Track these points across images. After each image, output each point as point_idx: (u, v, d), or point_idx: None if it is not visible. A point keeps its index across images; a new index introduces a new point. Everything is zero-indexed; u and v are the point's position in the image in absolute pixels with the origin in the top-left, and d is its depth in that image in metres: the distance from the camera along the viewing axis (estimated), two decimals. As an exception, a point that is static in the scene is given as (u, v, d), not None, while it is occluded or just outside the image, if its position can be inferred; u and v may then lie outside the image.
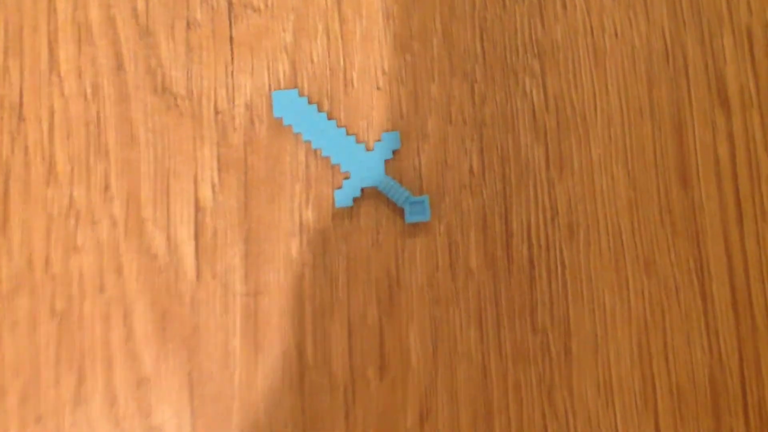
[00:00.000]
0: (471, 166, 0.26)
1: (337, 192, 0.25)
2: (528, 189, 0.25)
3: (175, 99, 0.26)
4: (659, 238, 0.25)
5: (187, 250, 0.25)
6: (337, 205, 0.25)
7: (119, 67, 0.26)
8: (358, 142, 0.26)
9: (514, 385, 0.25)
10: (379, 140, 0.26)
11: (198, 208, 0.25)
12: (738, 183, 0.25)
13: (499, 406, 0.25)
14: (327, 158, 0.26)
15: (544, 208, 0.25)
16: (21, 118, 0.26)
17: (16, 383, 0.24)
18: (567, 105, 0.26)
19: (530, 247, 0.25)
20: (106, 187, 0.26)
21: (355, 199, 0.25)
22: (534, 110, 0.26)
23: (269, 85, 0.26)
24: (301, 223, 0.25)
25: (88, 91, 0.26)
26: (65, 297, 0.25)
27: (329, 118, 0.26)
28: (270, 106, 0.26)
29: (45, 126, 0.26)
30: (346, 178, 0.25)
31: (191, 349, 0.25)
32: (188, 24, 0.27)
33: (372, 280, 0.25)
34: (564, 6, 0.26)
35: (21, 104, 0.26)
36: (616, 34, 0.26)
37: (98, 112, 0.26)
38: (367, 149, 0.25)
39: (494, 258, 0.25)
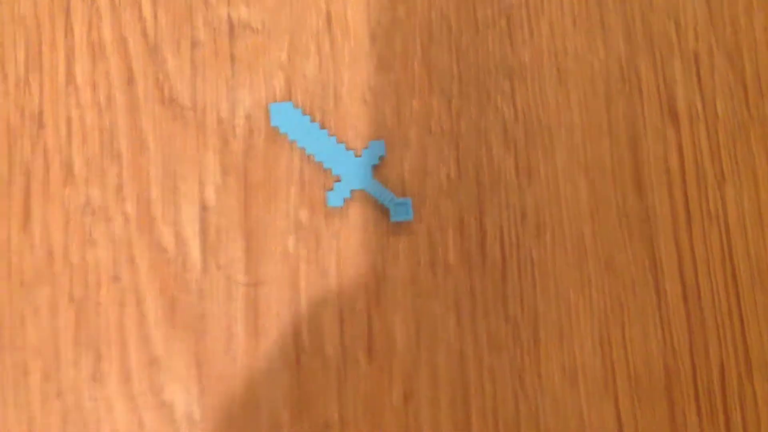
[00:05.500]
0: (449, 173, 0.35)
1: (328, 193, 0.34)
2: (500, 193, 0.35)
3: (181, 110, 0.35)
4: (617, 239, 0.35)
5: (194, 244, 0.34)
6: (329, 204, 0.34)
7: (130, 80, 0.36)
8: (347, 149, 0.35)
9: (489, 369, 0.34)
10: (366, 147, 0.35)
11: (203, 207, 0.35)
12: (687, 190, 0.35)
13: (475, 388, 0.34)
14: (319, 163, 0.35)
15: (515, 210, 0.35)
16: (41, 125, 0.35)
17: (38, 362, 0.33)
18: (534, 119, 0.35)
19: (502, 245, 0.35)
20: (119, 188, 0.35)
21: (345, 200, 0.34)
22: (505, 124, 0.35)
23: (266, 98, 0.36)
24: (296, 222, 0.35)
25: (102, 101, 0.35)
26: (83, 285, 0.34)
27: (321, 128, 0.35)
28: (267, 117, 0.35)
29: (63, 133, 0.35)
30: (337, 181, 0.35)
31: (198, 333, 0.34)
32: (193, 43, 0.36)
33: (361, 273, 0.34)
34: (531, 32, 0.36)
35: (41, 113, 0.35)
36: (577, 57, 0.36)
37: (111, 121, 0.35)
38: (356, 155, 0.35)
39: (470, 255, 0.35)
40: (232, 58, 0.35)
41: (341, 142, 0.34)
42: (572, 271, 0.34)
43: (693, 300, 0.33)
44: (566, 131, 0.34)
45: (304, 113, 0.34)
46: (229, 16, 0.35)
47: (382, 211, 0.34)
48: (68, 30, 0.35)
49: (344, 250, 0.34)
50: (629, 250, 0.34)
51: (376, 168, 0.34)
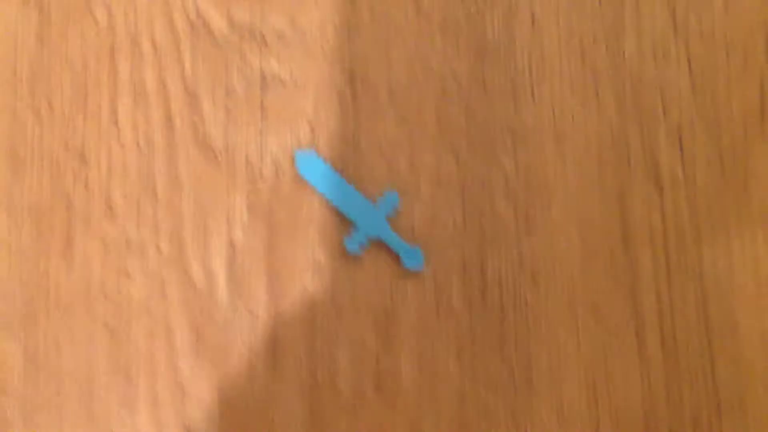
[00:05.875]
0: (455, 222, 0.39)
1: (346, 239, 0.39)
2: (500, 243, 0.39)
3: (214, 153, 0.39)
4: (605, 289, 0.39)
5: (220, 279, 0.38)
6: (347, 250, 0.38)
7: (168, 122, 0.40)
8: (364, 197, 0.39)
9: (485, 407, 0.38)
10: (382, 197, 0.39)
11: (230, 244, 0.39)
12: (668, 247, 0.40)
13: (473, 425, 0.38)
14: (338, 209, 0.39)
15: (513, 259, 0.39)
16: (83, 160, 0.39)
17: (72, 387, 0.37)
18: (533, 176, 0.40)
19: (501, 291, 0.39)
20: (154, 224, 0.39)
21: (360, 246, 0.39)
22: (507, 178, 0.40)
23: (292, 145, 0.40)
24: (315, 262, 0.39)
25: (141, 141, 0.39)
26: (116, 315, 0.38)
27: (341, 176, 0.39)
28: (293, 163, 0.39)
29: (104, 168, 0.39)
30: (354, 227, 0.39)
31: (221, 363, 0.38)
32: (227, 90, 0.40)
33: (372, 313, 0.39)
34: (533, 96, 0.40)
35: (83, 148, 0.39)
36: (574, 122, 0.40)
37: (149, 160, 0.39)
38: (372, 204, 0.39)
39: (472, 300, 0.39)
40: (263, 107, 0.39)
41: (359, 191, 0.38)
42: (563, 316, 0.38)
43: (670, 347, 0.38)
44: (562, 188, 0.39)
45: (326, 161, 0.38)
46: (261, 69, 0.39)
47: (394, 257, 0.38)
48: (112, 71, 0.39)
49: (358, 291, 0.38)
50: (615, 299, 0.38)
51: (389, 216, 0.38)
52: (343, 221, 0.37)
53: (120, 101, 0.38)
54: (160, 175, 0.37)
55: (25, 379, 0.35)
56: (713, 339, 0.37)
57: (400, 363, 0.36)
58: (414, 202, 0.38)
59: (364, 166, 0.38)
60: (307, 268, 0.37)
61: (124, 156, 0.37)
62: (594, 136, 0.39)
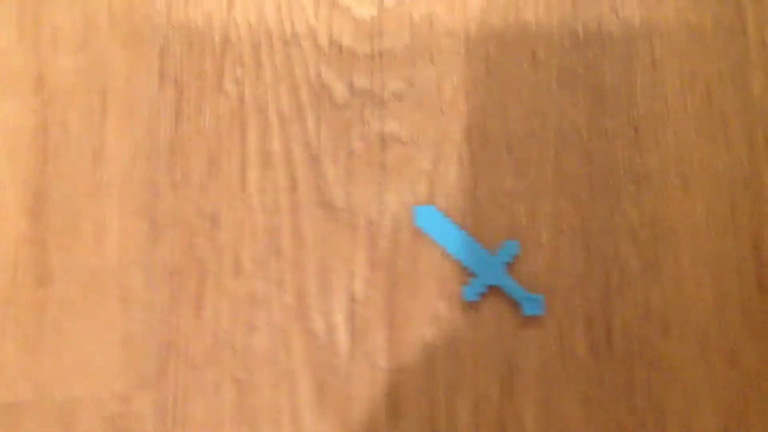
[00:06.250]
0: (578, 270, 0.46)
1: (465, 288, 0.46)
2: (626, 290, 0.45)
3: (337, 211, 0.49)
4: (741, 335, 0.44)
5: (343, 332, 0.47)
6: (466, 299, 0.46)
7: (294, 186, 0.50)
8: (483, 248, 0.47)
9: None
10: (501, 247, 0.47)
11: (352, 298, 0.47)
12: None
13: None
14: (458, 260, 0.47)
15: (640, 306, 0.45)
16: (215, 224, 0.50)
17: None
18: (660, 221, 0.46)
19: (628, 339, 0.45)
20: (280, 281, 0.48)
21: (480, 295, 0.46)
22: (631, 225, 0.46)
23: (411, 201, 0.48)
24: (435, 314, 0.46)
25: (269, 204, 0.49)
26: (244, 368, 0.47)
27: (460, 228, 0.47)
28: (412, 218, 0.48)
29: (233, 231, 0.49)
30: (474, 277, 0.47)
31: (344, 415, 0.45)
32: (349, 153, 0.50)
33: (494, 364, 0.45)
34: (657, 140, 0.47)
35: (215, 214, 0.50)
36: (701, 164, 0.46)
37: (276, 221, 0.49)
38: (492, 254, 0.47)
39: (597, 348, 0.45)
40: (382, 166, 0.48)
41: (478, 242, 0.46)
42: (697, 364, 0.43)
43: None
44: (691, 232, 0.44)
45: (445, 215, 0.47)
46: (381, 130, 0.48)
47: (515, 306, 0.45)
48: (243, 141, 0.49)
49: (479, 340, 0.45)
50: (752, 345, 0.43)
51: (510, 265, 0.45)
52: (463, 272, 0.45)
53: (250, 169, 0.48)
54: (286, 235, 0.47)
55: (155, 429, 0.45)
56: None
57: (525, 414, 0.43)
58: (535, 251, 0.45)
59: (483, 217, 0.45)
60: (427, 319, 0.45)
61: (253, 219, 0.48)
62: (724, 178, 0.44)
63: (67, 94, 0.44)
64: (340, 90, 0.44)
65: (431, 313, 0.40)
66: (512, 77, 0.43)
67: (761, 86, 0.40)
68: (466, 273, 0.40)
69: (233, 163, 0.44)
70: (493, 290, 0.40)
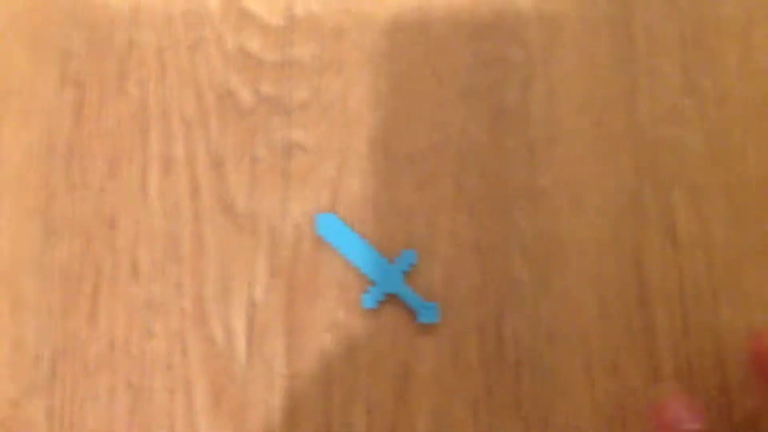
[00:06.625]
0: (472, 282, 0.48)
1: (364, 296, 0.47)
2: (517, 302, 0.47)
3: (239, 218, 0.49)
4: (622, 347, 0.46)
5: (241, 338, 0.47)
6: (364, 306, 0.47)
7: (196, 192, 0.50)
8: (382, 257, 0.48)
9: None
10: (399, 256, 0.48)
11: (251, 304, 0.48)
12: (685, 306, 0.47)
13: None
14: (358, 269, 0.48)
15: (530, 318, 0.47)
16: (112, 227, 0.49)
17: None
18: (550, 238, 0.48)
19: (518, 350, 0.47)
20: (179, 286, 0.48)
21: (379, 302, 0.47)
22: (524, 240, 0.48)
23: (313, 210, 0.49)
24: (333, 321, 0.47)
25: (170, 209, 0.49)
26: (139, 373, 0.47)
27: (361, 237, 0.48)
28: (314, 226, 0.49)
29: (131, 235, 0.49)
30: (372, 285, 0.48)
31: (239, 420, 0.46)
32: (253, 159, 0.50)
33: (390, 370, 0.47)
34: (550, 160, 0.49)
35: (113, 217, 0.49)
36: (590, 184, 0.49)
37: (176, 227, 0.49)
38: (390, 263, 0.48)
39: (488, 357, 0.47)
40: (286, 174, 0.49)
41: (377, 251, 0.47)
42: (580, 375, 0.45)
43: None
44: (579, 249, 0.47)
45: (345, 224, 0.48)
46: (286, 138, 0.49)
47: (411, 313, 0.46)
48: (144, 144, 0.49)
49: (376, 347, 0.46)
50: (632, 357, 0.45)
51: (407, 274, 0.47)
52: (362, 280, 0.46)
53: (150, 173, 0.48)
54: (186, 241, 0.47)
55: (49, 435, 0.44)
56: (732, 397, 0.44)
57: (417, 420, 0.44)
58: (432, 262, 0.46)
59: (384, 227, 0.46)
60: (326, 326, 0.45)
61: (152, 224, 0.47)
62: (610, 198, 0.47)
63: (-37, 88, 0.42)
64: (245, 96, 0.44)
65: (330, 320, 0.41)
66: (416, 93, 0.44)
67: (648, 112, 0.43)
68: (366, 281, 0.40)
69: (134, 166, 0.44)
70: (391, 299, 0.41)
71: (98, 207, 0.43)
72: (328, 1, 0.45)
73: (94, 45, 0.45)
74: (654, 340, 0.41)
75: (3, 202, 0.43)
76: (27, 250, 0.42)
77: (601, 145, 0.43)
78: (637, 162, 0.43)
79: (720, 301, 0.41)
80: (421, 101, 0.43)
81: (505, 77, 0.44)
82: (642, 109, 0.43)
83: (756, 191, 0.42)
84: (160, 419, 0.40)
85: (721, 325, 0.41)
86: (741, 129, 0.43)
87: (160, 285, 0.42)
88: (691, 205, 0.42)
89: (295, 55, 0.44)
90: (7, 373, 0.41)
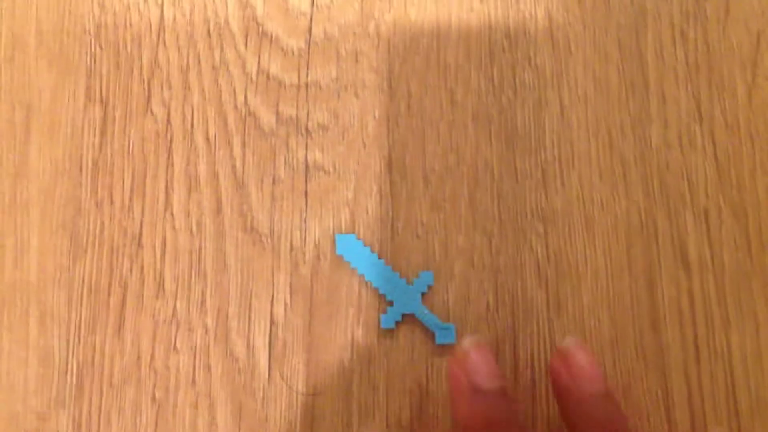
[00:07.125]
0: (488, 303, 0.49)
1: (382, 316, 0.48)
2: (531, 324, 0.48)
3: (260, 237, 0.50)
4: (634, 371, 0.48)
5: (262, 355, 0.48)
6: (382, 326, 0.48)
7: (218, 210, 0.51)
8: (400, 277, 0.49)
9: None
10: (417, 277, 0.49)
11: (272, 322, 0.49)
12: (696, 330, 0.48)
13: None
14: (375, 289, 0.49)
15: (544, 340, 0.48)
16: (139, 245, 0.50)
17: None
18: (563, 259, 0.49)
19: (533, 370, 0.48)
20: (202, 302, 0.49)
21: (396, 323, 0.48)
22: (538, 262, 0.49)
23: (333, 230, 0.50)
24: (352, 339, 0.48)
25: (194, 227, 0.50)
26: (164, 388, 0.48)
27: (379, 258, 0.50)
28: (333, 246, 0.50)
29: (158, 252, 0.50)
30: (390, 305, 0.49)
31: None
32: (273, 180, 0.51)
33: (406, 389, 0.48)
34: (563, 183, 0.50)
35: (140, 234, 0.50)
36: (602, 207, 0.50)
37: (200, 244, 0.50)
38: (408, 283, 0.49)
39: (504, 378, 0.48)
40: (306, 194, 0.50)
41: (395, 271, 0.48)
42: None
43: (699, 429, 0.46)
44: (591, 271, 0.48)
45: (365, 244, 0.49)
46: (306, 159, 0.50)
47: (428, 334, 0.47)
48: (169, 163, 0.50)
49: (393, 367, 0.47)
50: (644, 381, 0.46)
51: (424, 295, 0.48)
52: (380, 300, 0.47)
53: (175, 191, 0.49)
54: (210, 258, 0.48)
55: (76, 447, 0.45)
56: (743, 421, 0.45)
57: (433, 438, 0.45)
58: (448, 283, 0.47)
59: (401, 248, 0.48)
60: (345, 346, 0.47)
61: (177, 241, 0.48)
62: (622, 221, 0.48)
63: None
64: (266, 117, 0.45)
65: (349, 338, 0.42)
66: (431, 115, 0.45)
67: (659, 137, 0.44)
68: (384, 301, 0.42)
69: (158, 184, 0.45)
70: (408, 318, 0.42)
71: (123, 223, 0.44)
72: (346, 24, 0.46)
73: (119, 64, 0.46)
74: (666, 363, 0.41)
75: (31, 217, 0.44)
76: (54, 265, 0.44)
77: (613, 168, 0.44)
78: (648, 185, 0.44)
79: (731, 325, 0.42)
80: (436, 124, 0.45)
81: (518, 100, 0.45)
82: (652, 134, 0.44)
83: (766, 215, 0.43)
84: (183, 433, 0.41)
85: (732, 348, 0.42)
86: (750, 154, 0.44)
87: (183, 301, 0.43)
88: (703, 229, 0.43)
89: (313, 78, 0.45)
90: (35, 386, 0.42)
